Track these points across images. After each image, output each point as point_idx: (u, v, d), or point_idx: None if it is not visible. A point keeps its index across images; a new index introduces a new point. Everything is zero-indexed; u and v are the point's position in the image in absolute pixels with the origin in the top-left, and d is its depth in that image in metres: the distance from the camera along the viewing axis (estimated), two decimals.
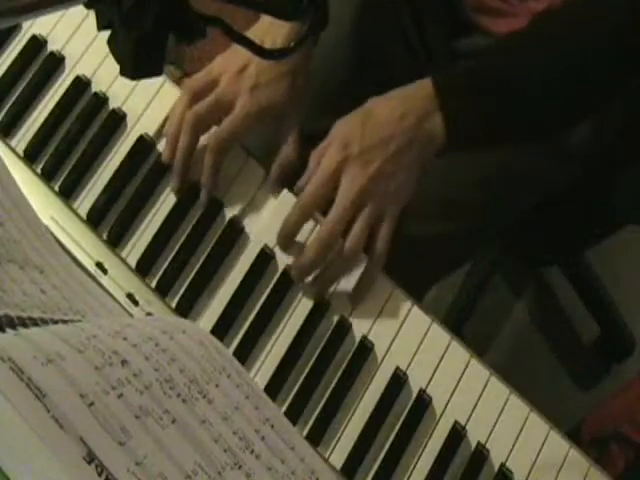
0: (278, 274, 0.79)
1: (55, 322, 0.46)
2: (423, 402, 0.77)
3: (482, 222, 0.99)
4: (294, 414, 0.74)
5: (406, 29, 1.00)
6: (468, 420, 0.77)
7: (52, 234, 0.60)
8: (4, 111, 0.84)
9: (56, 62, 0.86)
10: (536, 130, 0.83)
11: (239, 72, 0.82)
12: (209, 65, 0.84)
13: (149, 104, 0.85)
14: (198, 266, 0.79)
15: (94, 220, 0.81)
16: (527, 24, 0.83)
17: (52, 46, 0.87)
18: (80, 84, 0.85)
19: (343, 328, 0.78)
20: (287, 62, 0.81)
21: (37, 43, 0.86)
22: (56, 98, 0.85)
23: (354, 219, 0.76)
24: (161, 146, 0.83)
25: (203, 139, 0.82)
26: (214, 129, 0.82)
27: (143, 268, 0.79)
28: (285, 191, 0.82)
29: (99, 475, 0.35)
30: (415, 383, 0.77)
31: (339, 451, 0.75)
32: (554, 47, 0.79)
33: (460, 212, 0.95)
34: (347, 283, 0.79)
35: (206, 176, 0.81)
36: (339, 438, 0.75)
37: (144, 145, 0.83)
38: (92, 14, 0.54)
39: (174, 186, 0.81)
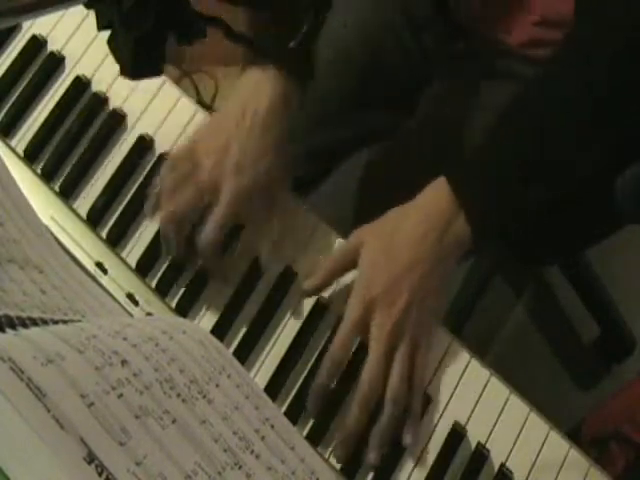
0: (278, 274, 0.79)
1: (55, 322, 0.46)
2: (423, 402, 0.76)
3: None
4: (294, 414, 0.74)
5: (402, 34, 1.00)
6: (468, 420, 0.77)
7: (52, 234, 0.60)
8: (4, 111, 0.84)
9: (56, 62, 0.86)
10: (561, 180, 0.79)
11: (221, 153, 0.76)
12: (190, 145, 0.79)
13: (149, 104, 0.85)
14: (198, 266, 0.79)
15: (94, 220, 0.81)
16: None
17: (52, 46, 0.87)
18: (80, 84, 0.85)
19: None
20: (270, 132, 0.76)
21: (37, 43, 0.86)
22: (56, 98, 0.85)
23: (391, 360, 0.74)
24: (160, 146, 0.84)
25: None
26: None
27: (143, 268, 0.79)
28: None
29: (99, 475, 0.35)
30: None
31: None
32: (552, 109, 0.76)
33: None
34: None
35: (213, 276, 0.78)
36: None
37: (144, 145, 0.83)
38: (92, 14, 0.54)
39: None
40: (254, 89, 0.77)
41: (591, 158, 0.78)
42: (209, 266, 0.77)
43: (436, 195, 0.75)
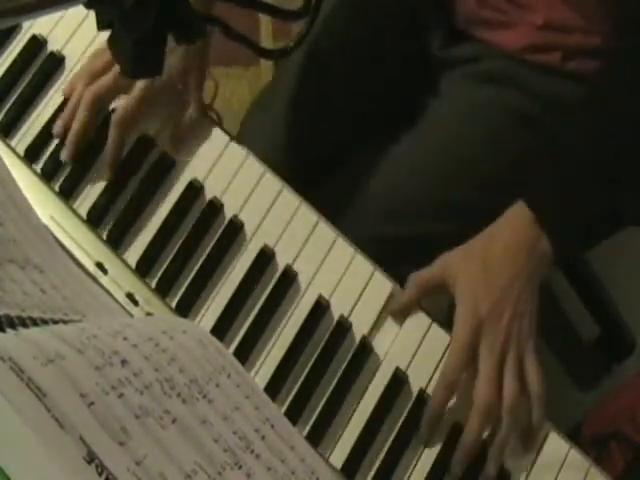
0: (278, 274, 0.79)
1: (55, 322, 0.46)
2: (423, 402, 0.77)
3: (478, 223, 0.99)
4: (294, 414, 0.74)
5: (403, 38, 1.00)
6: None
7: (52, 234, 0.60)
8: (4, 111, 0.84)
9: (56, 62, 0.86)
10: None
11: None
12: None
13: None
14: (198, 266, 0.79)
15: (94, 220, 0.81)
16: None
17: (52, 46, 0.87)
18: None
19: (343, 328, 0.78)
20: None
21: (37, 43, 0.86)
22: (56, 98, 0.85)
23: (502, 372, 0.77)
24: (161, 145, 0.84)
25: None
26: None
27: (143, 268, 0.79)
28: (285, 191, 0.82)
29: (99, 475, 0.35)
30: (415, 383, 0.77)
31: (339, 451, 0.74)
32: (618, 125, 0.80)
33: (456, 213, 0.95)
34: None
35: (110, 149, 0.81)
36: (339, 438, 0.75)
37: (144, 145, 0.83)
38: (92, 14, 0.54)
39: (65, 156, 0.82)
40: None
41: None
42: None
43: (519, 218, 0.80)
